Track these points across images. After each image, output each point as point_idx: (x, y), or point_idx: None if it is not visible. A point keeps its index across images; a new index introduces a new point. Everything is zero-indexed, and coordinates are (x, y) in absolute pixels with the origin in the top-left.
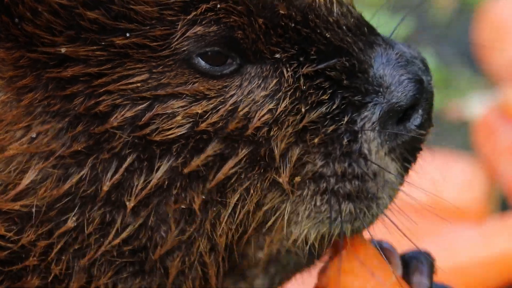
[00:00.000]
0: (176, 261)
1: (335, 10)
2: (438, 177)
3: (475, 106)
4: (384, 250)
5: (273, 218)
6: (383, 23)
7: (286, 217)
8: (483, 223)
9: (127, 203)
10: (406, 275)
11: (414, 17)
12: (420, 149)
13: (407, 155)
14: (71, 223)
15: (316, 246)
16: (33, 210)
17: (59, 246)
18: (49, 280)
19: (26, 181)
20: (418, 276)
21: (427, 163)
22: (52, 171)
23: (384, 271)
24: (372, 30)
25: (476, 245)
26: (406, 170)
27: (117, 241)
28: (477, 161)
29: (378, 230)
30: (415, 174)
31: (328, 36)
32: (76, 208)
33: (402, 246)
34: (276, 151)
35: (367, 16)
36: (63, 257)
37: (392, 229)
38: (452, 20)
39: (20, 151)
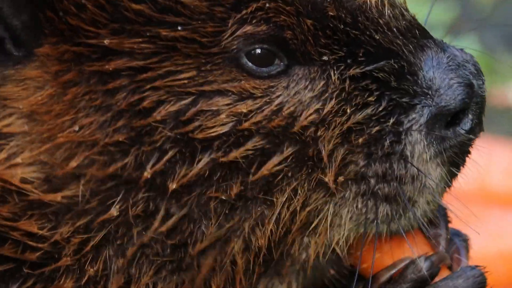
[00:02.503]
0: (209, 259)
1: (386, 12)
2: (483, 163)
3: None
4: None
5: (316, 220)
6: (425, 9)
7: (329, 219)
8: None
9: (170, 185)
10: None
11: (457, 3)
12: (469, 152)
13: (455, 159)
14: (114, 211)
15: (354, 245)
16: (77, 199)
17: (96, 240)
18: (83, 282)
19: (74, 163)
20: (434, 229)
21: (473, 150)
22: (98, 158)
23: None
24: (424, 33)
25: None
26: (453, 175)
27: (162, 229)
28: None
29: None
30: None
31: (378, 38)
32: (121, 194)
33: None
34: (323, 151)
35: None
36: (100, 256)
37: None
38: (495, 5)
39: (68, 139)
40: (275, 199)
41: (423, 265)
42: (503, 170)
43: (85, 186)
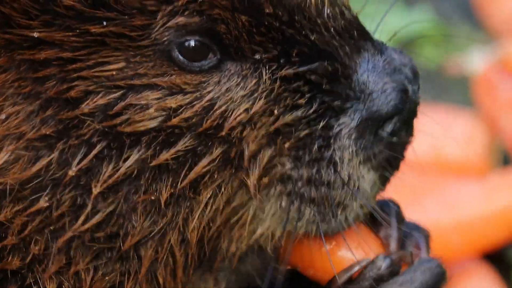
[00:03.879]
0: (150, 251)
1: (325, 12)
2: (439, 133)
3: (475, 61)
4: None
5: (239, 214)
6: None
7: (251, 214)
8: (484, 178)
9: (94, 189)
10: (375, 229)
11: None
12: (402, 157)
13: (387, 163)
14: (43, 203)
15: (282, 242)
16: (7, 187)
17: (34, 224)
18: (27, 261)
19: None
20: (385, 230)
21: (428, 120)
22: (23, 153)
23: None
24: (363, 34)
25: (477, 201)
26: (385, 180)
27: (87, 225)
28: (477, 117)
29: None
30: (417, 130)
31: (313, 38)
32: (48, 189)
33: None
34: (246, 152)
35: None
36: (41, 237)
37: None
38: None
39: None
40: (200, 196)
41: (383, 264)
42: (459, 140)
43: (13, 180)
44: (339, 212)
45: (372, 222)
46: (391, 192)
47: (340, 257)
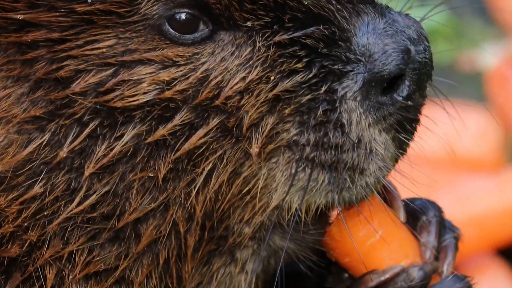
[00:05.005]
0: (149, 229)
1: None
2: (452, 129)
3: (488, 57)
4: (386, 192)
5: (250, 184)
6: None
7: (262, 182)
8: (498, 173)
9: (86, 170)
10: (414, 230)
11: None
12: (416, 120)
13: (400, 126)
14: (38, 189)
15: (302, 215)
16: (1, 175)
17: (30, 211)
18: (26, 248)
19: None
20: (426, 236)
21: (442, 115)
22: (15, 137)
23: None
24: None
25: (491, 195)
26: (402, 142)
27: (82, 207)
28: (491, 112)
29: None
30: (430, 126)
31: (307, 3)
32: (43, 174)
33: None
34: (245, 120)
35: None
36: (37, 223)
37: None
38: None
39: None
40: (200, 169)
41: (416, 275)
42: (472, 135)
43: (6, 165)
44: (356, 176)
45: (413, 223)
46: (406, 187)
47: (379, 255)
